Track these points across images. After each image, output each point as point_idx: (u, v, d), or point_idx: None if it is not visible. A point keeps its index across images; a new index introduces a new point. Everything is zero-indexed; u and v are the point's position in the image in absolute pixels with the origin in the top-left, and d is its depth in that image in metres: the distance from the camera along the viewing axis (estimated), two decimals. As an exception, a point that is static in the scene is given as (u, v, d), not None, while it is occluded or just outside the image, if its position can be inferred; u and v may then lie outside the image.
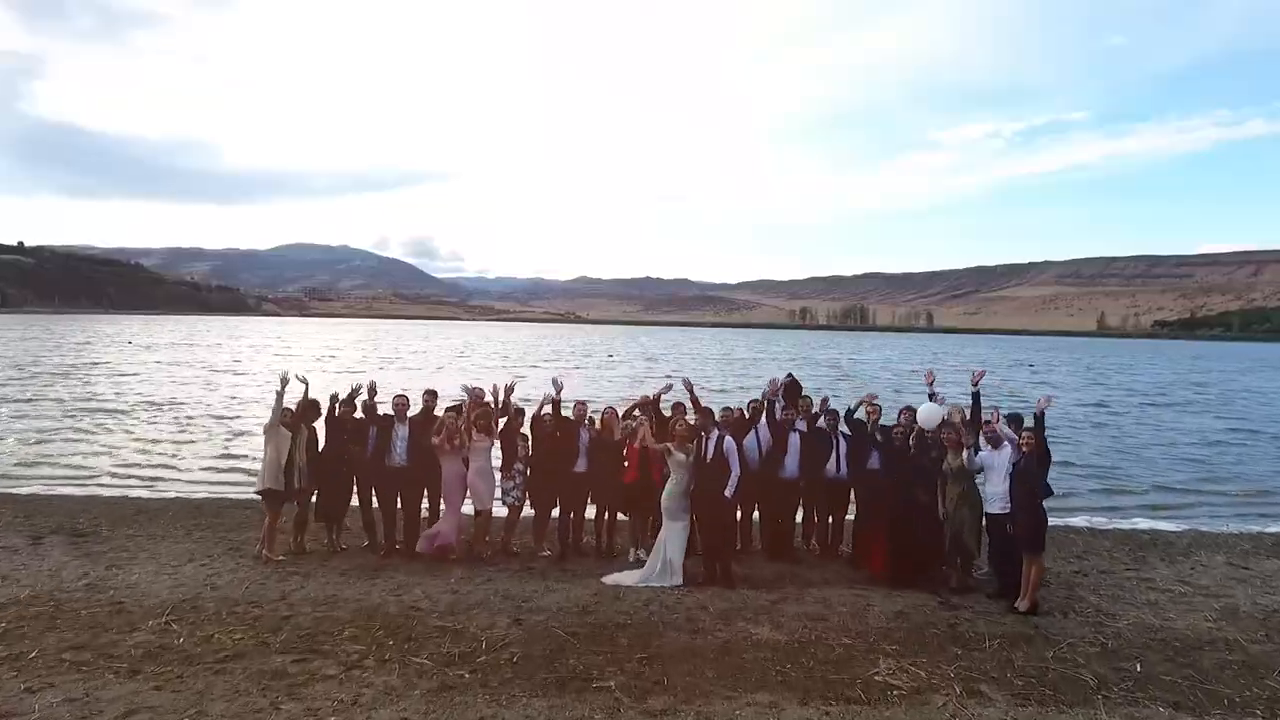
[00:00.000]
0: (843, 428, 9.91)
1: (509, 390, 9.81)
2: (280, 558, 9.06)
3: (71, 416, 22.61)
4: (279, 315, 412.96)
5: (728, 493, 8.40)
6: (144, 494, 13.27)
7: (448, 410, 9.90)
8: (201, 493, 13.48)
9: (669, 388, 10.26)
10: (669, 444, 8.52)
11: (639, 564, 9.14)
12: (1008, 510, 7.88)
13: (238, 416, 23.42)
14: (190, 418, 23.00)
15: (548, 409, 9.67)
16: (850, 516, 9.97)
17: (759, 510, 10.00)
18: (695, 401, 9.58)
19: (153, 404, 26.03)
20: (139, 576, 8.29)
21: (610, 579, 8.51)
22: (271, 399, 9.26)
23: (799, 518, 10.09)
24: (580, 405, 9.76)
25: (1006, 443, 8.08)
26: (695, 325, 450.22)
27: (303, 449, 9.25)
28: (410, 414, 9.69)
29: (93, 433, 20.08)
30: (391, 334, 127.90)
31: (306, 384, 9.41)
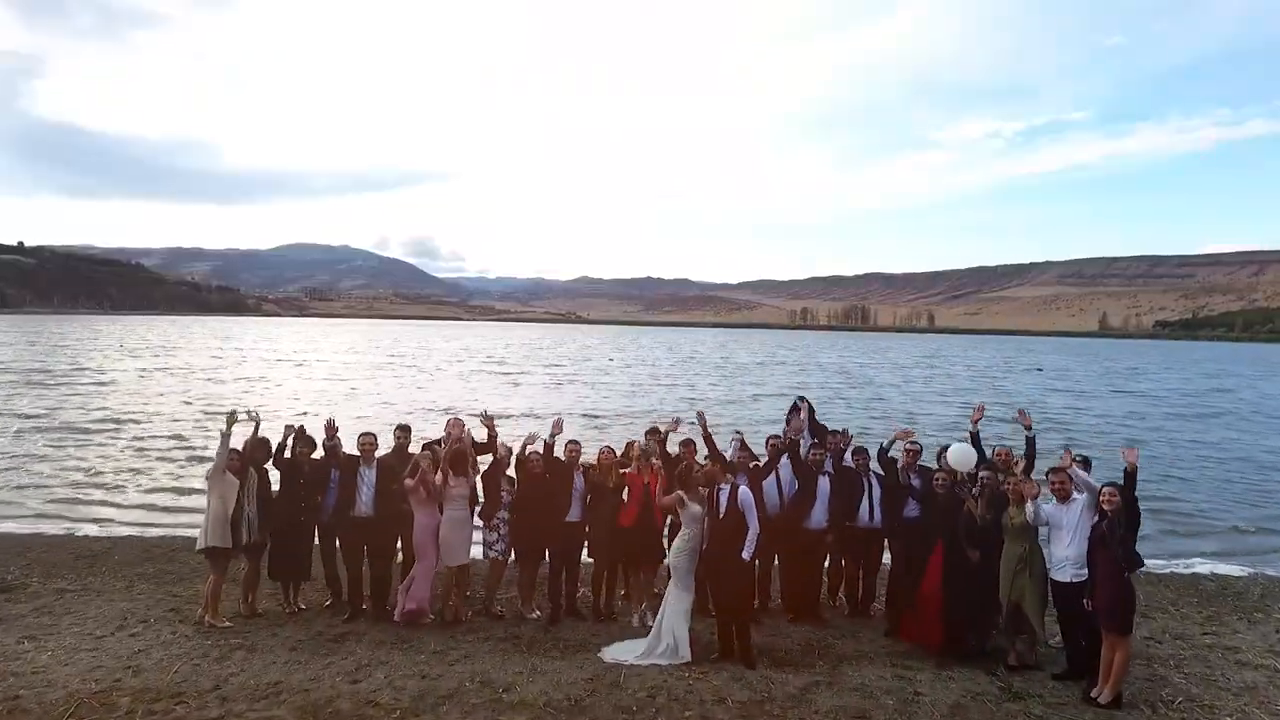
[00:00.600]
0: (875, 467, 8.64)
1: (490, 424, 8.52)
2: (226, 623, 7.80)
3: (26, 435, 21.26)
4: (279, 315, 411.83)
5: (745, 554, 7.13)
6: (93, 530, 12.02)
7: (424, 448, 8.65)
8: (157, 529, 12.21)
9: (676, 424, 8.98)
10: (682, 493, 7.25)
11: (643, 629, 7.91)
12: (1082, 579, 6.60)
13: (208, 436, 21.74)
14: (155, 437, 21.47)
15: (535, 447, 8.38)
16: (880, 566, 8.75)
17: (780, 563, 8.72)
18: (709, 440, 8.30)
19: (119, 421, 24.37)
20: (52, 654, 7.01)
21: (609, 654, 7.24)
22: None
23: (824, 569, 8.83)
24: (573, 445, 8.46)
25: (1077, 496, 6.80)
26: (695, 325, 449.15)
27: (252, 497, 7.99)
28: (381, 453, 8.44)
29: (46, 456, 18.61)
30: (389, 335, 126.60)
31: (257, 421, 8.15)
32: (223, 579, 7.89)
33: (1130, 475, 6.77)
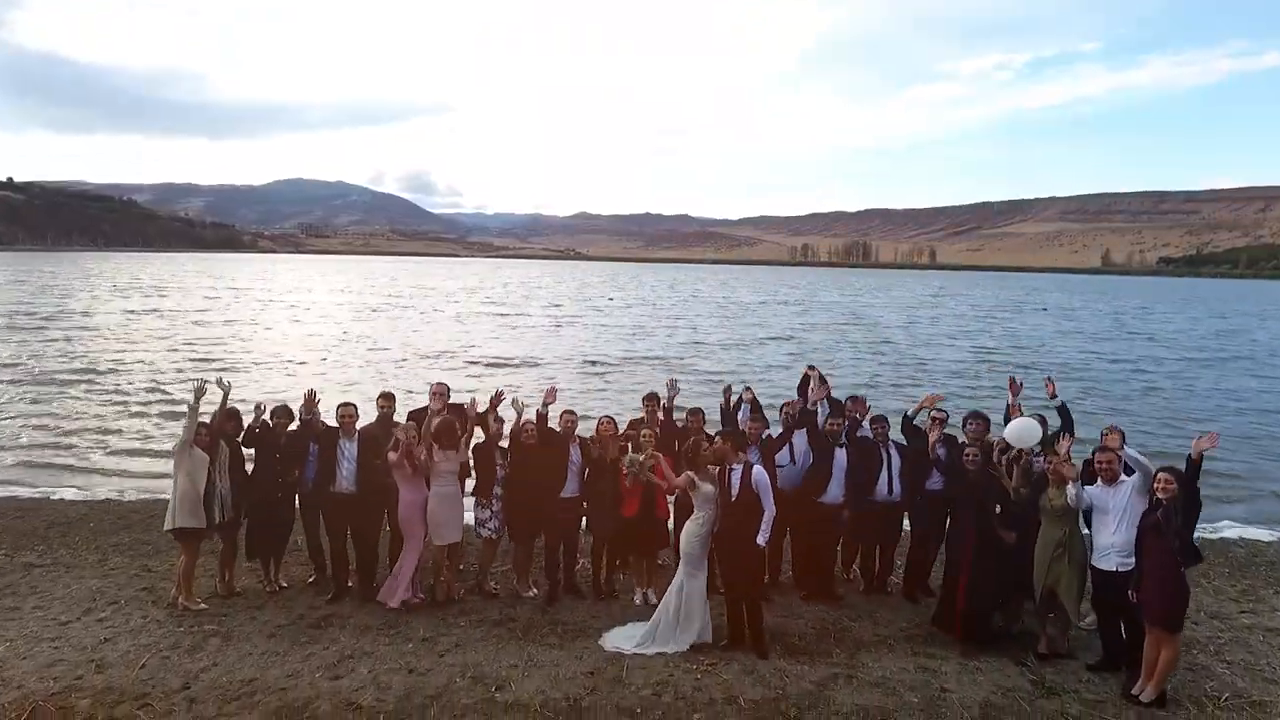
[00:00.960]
0: (896, 437, 8.03)
1: (496, 400, 7.87)
2: (201, 605, 7.29)
3: (2, 387, 20.54)
4: (275, 252, 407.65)
5: (760, 540, 6.56)
6: (69, 493, 11.48)
7: (410, 417, 8.03)
8: (135, 493, 11.67)
9: (674, 387, 8.35)
10: (692, 474, 6.64)
11: (646, 607, 7.43)
12: (1128, 569, 6.04)
13: (209, 370, 21.36)
14: (138, 389, 20.67)
15: (528, 416, 7.74)
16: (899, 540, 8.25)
17: (792, 538, 8.18)
18: (728, 408, 7.74)
19: (100, 371, 23.36)
20: (11, 645, 6.49)
21: (610, 642, 6.74)
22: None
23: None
24: (569, 416, 7.81)
25: (1125, 478, 6.20)
26: (695, 262, 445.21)
27: (224, 472, 7.39)
28: (363, 424, 7.82)
29: (22, 410, 17.85)
30: (385, 274, 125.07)
31: (226, 391, 7.49)
32: (195, 560, 7.36)
33: (1194, 463, 6.12)
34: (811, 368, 8.35)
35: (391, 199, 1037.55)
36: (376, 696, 5.78)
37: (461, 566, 8.13)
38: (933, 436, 7.68)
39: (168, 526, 7.19)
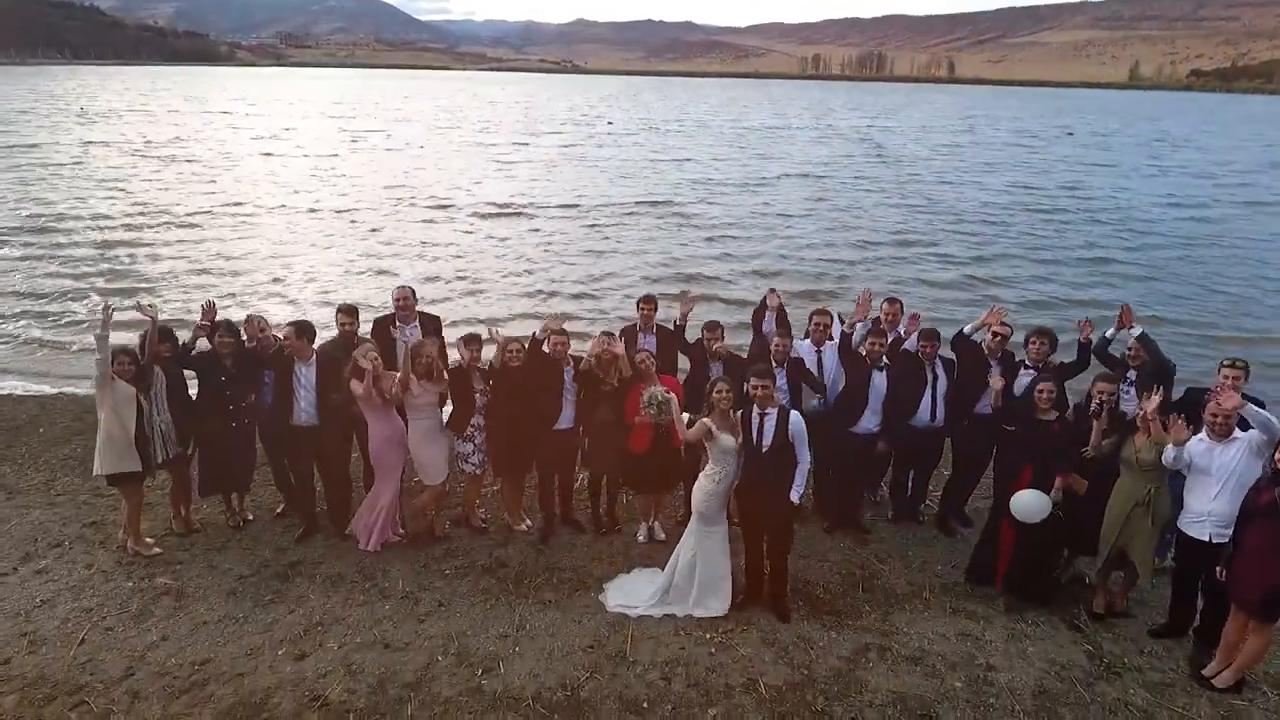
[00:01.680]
0: (945, 352, 6.91)
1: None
2: (154, 549, 6.51)
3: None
4: (254, 65, 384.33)
5: (794, 496, 5.61)
6: (16, 387, 10.49)
7: (374, 330, 6.93)
8: (90, 384, 10.62)
9: (689, 300, 7.14)
10: (708, 420, 5.57)
11: (650, 545, 6.69)
12: (1223, 541, 5.12)
13: (147, 251, 18.92)
14: (83, 244, 18.65)
15: (510, 338, 6.57)
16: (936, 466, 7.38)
17: (816, 467, 7.25)
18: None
19: (44, 229, 20.88)
20: (-66, 610, 5.75)
21: (613, 598, 5.99)
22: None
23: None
24: (560, 339, 6.60)
25: (1241, 436, 5.13)
26: (700, 75, 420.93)
27: (162, 404, 6.33)
28: (321, 342, 6.69)
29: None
30: (371, 90, 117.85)
31: (154, 314, 6.28)
32: (139, 503, 6.49)
33: None
34: (771, 290, 7.27)
35: (374, 4, 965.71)
36: (346, 686, 5.06)
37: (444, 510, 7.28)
38: (988, 347, 6.63)
39: (97, 472, 6.22)
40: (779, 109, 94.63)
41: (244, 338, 6.58)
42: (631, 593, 6.06)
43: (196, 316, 6.88)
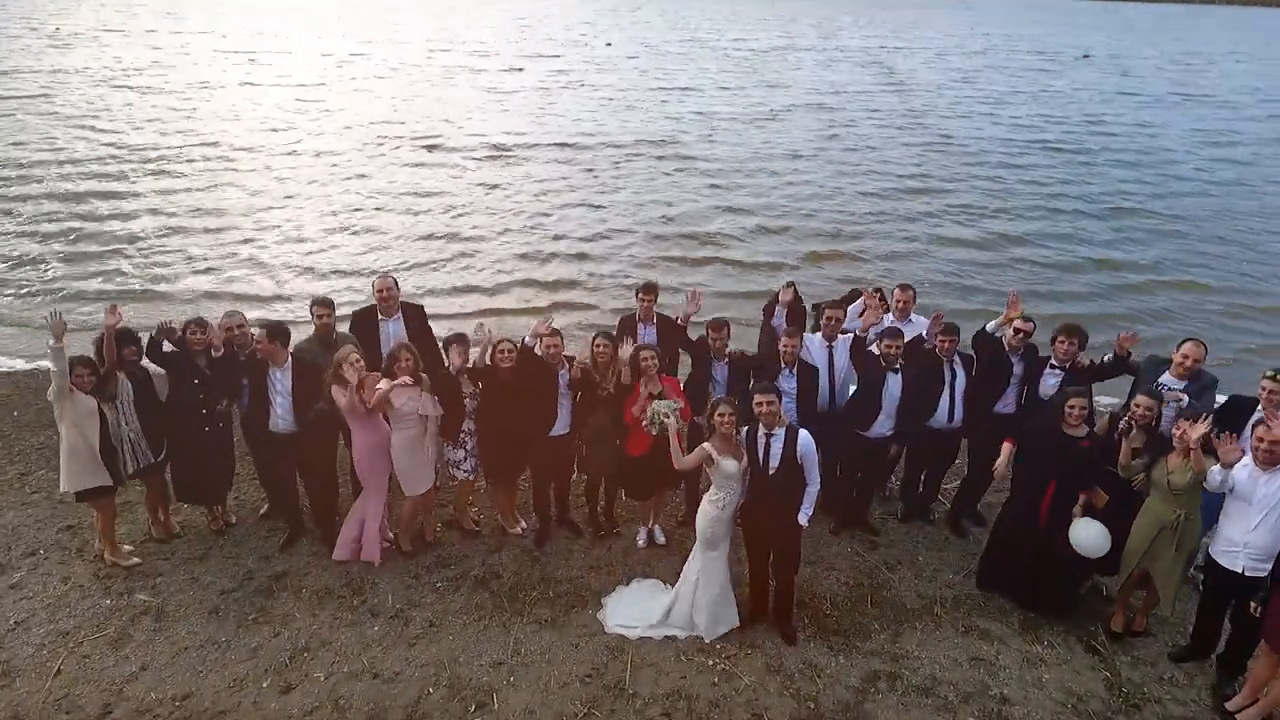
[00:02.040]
0: (964, 349, 6.51)
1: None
2: (132, 559, 6.23)
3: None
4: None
5: (802, 519, 5.30)
6: (-7, 363, 10.05)
7: (352, 325, 6.51)
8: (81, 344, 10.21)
9: (696, 299, 6.67)
10: (708, 445, 5.20)
11: (650, 550, 6.45)
12: (1259, 576, 4.82)
13: (124, 201, 17.54)
14: (49, 197, 17.33)
15: (502, 338, 6.15)
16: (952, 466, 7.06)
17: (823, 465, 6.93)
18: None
19: (27, 165, 19.82)
20: (-100, 637, 5.49)
21: (612, 618, 5.74)
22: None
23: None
24: (553, 341, 6.15)
25: (1288, 465, 4.78)
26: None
27: (130, 413, 5.94)
28: (298, 341, 6.26)
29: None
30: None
31: (111, 325, 5.81)
32: (112, 515, 6.17)
33: None
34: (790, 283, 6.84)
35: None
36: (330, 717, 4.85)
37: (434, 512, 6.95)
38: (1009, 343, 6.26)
39: (64, 489, 5.87)
40: (783, 24, 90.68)
41: (215, 346, 6.12)
42: (631, 610, 5.81)
43: (165, 313, 6.41)
